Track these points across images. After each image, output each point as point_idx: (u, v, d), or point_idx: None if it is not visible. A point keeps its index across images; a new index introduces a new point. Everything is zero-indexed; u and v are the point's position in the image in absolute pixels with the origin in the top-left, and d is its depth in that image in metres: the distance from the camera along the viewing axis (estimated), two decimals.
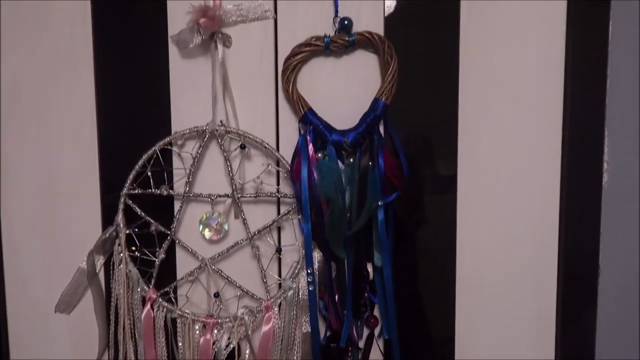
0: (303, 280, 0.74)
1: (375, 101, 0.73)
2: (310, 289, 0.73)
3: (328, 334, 0.76)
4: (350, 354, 0.77)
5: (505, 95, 0.76)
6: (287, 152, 0.75)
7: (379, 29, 0.74)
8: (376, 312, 0.78)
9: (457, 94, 0.76)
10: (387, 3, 0.75)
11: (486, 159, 0.77)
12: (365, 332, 0.78)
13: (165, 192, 0.76)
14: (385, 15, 0.75)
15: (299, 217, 0.75)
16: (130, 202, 0.76)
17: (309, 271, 0.73)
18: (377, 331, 0.78)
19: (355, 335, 0.76)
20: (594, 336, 0.82)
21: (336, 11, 0.74)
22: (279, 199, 0.77)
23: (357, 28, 0.74)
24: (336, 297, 0.74)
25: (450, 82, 0.76)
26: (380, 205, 0.71)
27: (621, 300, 0.87)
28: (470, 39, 0.75)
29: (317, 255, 0.74)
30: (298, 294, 0.75)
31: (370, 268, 0.76)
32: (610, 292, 0.83)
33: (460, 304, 0.79)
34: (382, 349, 0.79)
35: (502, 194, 0.77)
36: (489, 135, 0.76)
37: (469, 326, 0.79)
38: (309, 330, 0.73)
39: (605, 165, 0.79)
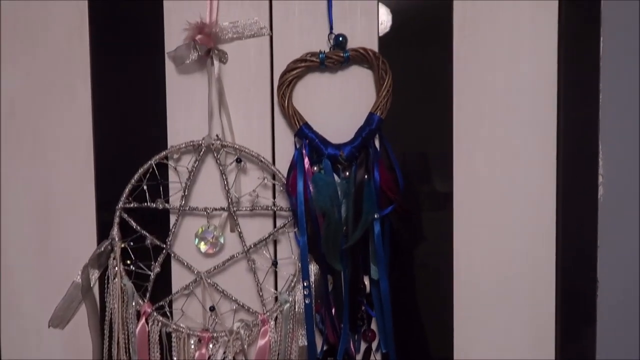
0: (299, 294, 0.74)
1: (371, 115, 0.74)
2: (307, 302, 0.73)
3: (325, 347, 0.76)
4: None
5: (499, 110, 0.77)
6: (283, 166, 0.76)
7: (373, 44, 0.76)
8: (373, 326, 0.78)
9: (451, 110, 0.77)
10: (382, 19, 0.76)
11: (482, 174, 0.78)
12: (363, 346, 0.78)
13: (160, 206, 0.76)
14: (380, 32, 0.76)
15: (295, 230, 0.75)
16: (125, 215, 0.76)
17: (305, 284, 0.73)
18: (374, 345, 0.78)
19: (353, 349, 0.76)
20: (594, 352, 0.82)
21: (331, 28, 0.75)
22: (275, 213, 0.77)
23: (351, 44, 0.75)
24: (333, 310, 0.74)
25: (444, 98, 0.77)
26: (376, 219, 0.72)
27: (621, 314, 0.86)
28: (463, 56, 0.76)
29: (313, 268, 0.74)
30: (294, 308, 0.74)
31: (367, 281, 0.76)
32: (609, 306, 0.83)
33: (458, 318, 0.79)
34: None
35: (498, 209, 0.78)
36: (484, 151, 0.77)
37: (467, 340, 0.79)
38: (305, 344, 0.73)
39: (600, 179, 0.80)
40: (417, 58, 0.77)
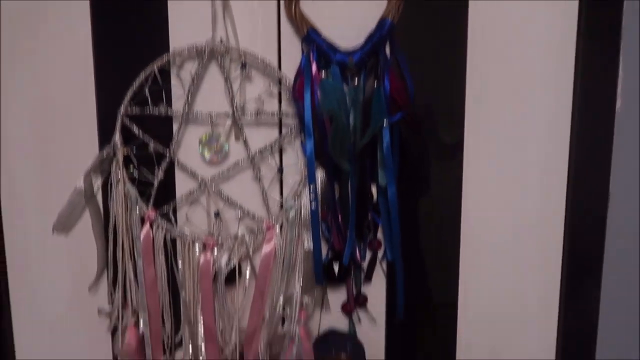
0: (305, 199, 0.73)
1: (382, 20, 0.71)
2: (313, 206, 0.72)
3: (330, 256, 0.76)
4: (352, 275, 0.78)
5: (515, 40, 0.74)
6: (289, 72, 0.73)
7: None
8: (379, 237, 0.78)
9: (466, 17, 0.74)
10: None
11: (495, 89, 0.76)
12: (368, 255, 0.78)
13: (163, 112, 0.74)
14: None
15: (301, 138, 0.73)
16: (127, 121, 0.74)
17: (311, 188, 0.71)
18: (380, 254, 0.78)
19: (359, 256, 0.76)
20: (597, 304, 0.83)
21: None
22: (280, 121, 0.75)
23: None
24: (339, 218, 0.74)
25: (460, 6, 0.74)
26: (385, 126, 0.70)
27: (625, 269, 0.87)
28: None
29: (320, 175, 0.73)
30: (300, 214, 0.74)
31: (374, 190, 0.75)
32: (614, 261, 0.83)
33: (465, 228, 0.79)
34: (385, 271, 0.79)
35: (510, 135, 0.77)
36: (499, 64, 0.75)
37: (473, 251, 0.80)
38: (311, 248, 0.73)
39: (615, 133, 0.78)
40: None
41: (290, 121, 0.74)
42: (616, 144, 0.78)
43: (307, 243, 0.73)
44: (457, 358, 0.83)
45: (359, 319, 0.80)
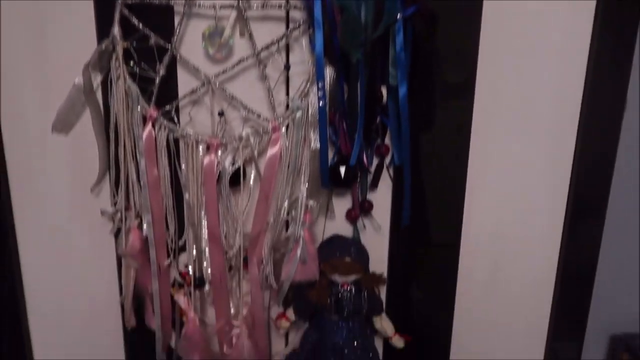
0: (313, 98, 0.70)
1: None
2: (321, 104, 0.69)
3: (337, 159, 0.74)
4: (359, 180, 0.76)
5: None
6: None
7: None
8: (387, 142, 0.76)
9: None
10: None
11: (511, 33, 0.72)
12: (375, 161, 0.77)
13: (164, 1, 0.70)
14: None
15: (310, 34, 0.69)
16: (127, 12, 0.70)
17: (319, 85, 0.68)
18: (387, 160, 0.76)
19: (366, 160, 0.74)
20: (598, 243, 0.83)
21: None
22: (287, 13, 0.71)
23: None
24: (347, 120, 0.71)
25: None
26: (398, 19, 0.66)
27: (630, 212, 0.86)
28: None
29: (328, 72, 0.70)
30: (307, 114, 0.71)
31: (384, 91, 0.72)
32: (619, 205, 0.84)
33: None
34: (392, 176, 0.77)
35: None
36: None
37: (482, 163, 0.78)
38: (318, 147, 0.70)
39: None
40: None
41: (298, 15, 0.70)
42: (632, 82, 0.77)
43: (314, 143, 0.71)
44: (459, 265, 0.83)
45: (364, 226, 0.80)
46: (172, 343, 0.85)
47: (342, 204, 0.79)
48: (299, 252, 0.74)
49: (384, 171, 0.76)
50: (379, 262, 0.81)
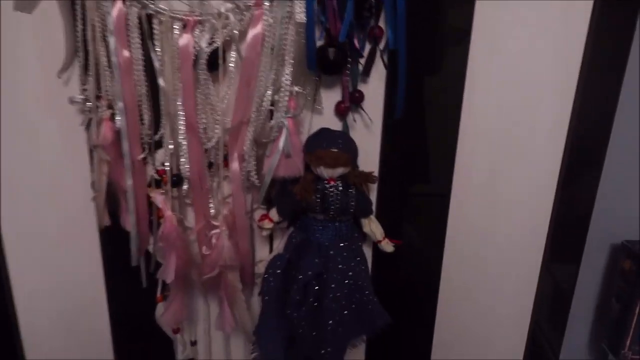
0: None
1: None
2: None
3: (325, 42, 0.67)
4: (349, 65, 0.70)
5: None
6: None
7: None
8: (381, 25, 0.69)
9: None
10: None
11: None
12: (367, 48, 0.70)
13: None
14: None
15: None
16: None
17: None
18: (382, 45, 0.70)
19: (357, 44, 0.68)
20: (594, 195, 0.83)
21: None
22: None
23: None
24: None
25: None
26: None
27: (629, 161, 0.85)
28: None
29: None
30: None
31: None
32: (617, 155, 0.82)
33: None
34: (385, 62, 0.71)
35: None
36: None
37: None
38: (304, 20, 0.63)
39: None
40: None
41: None
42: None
43: (300, 16, 0.64)
44: (455, 165, 0.79)
45: (354, 120, 0.74)
46: (151, 248, 0.82)
47: (330, 97, 0.73)
48: (282, 142, 0.68)
49: (377, 58, 0.70)
50: (369, 163, 0.76)
